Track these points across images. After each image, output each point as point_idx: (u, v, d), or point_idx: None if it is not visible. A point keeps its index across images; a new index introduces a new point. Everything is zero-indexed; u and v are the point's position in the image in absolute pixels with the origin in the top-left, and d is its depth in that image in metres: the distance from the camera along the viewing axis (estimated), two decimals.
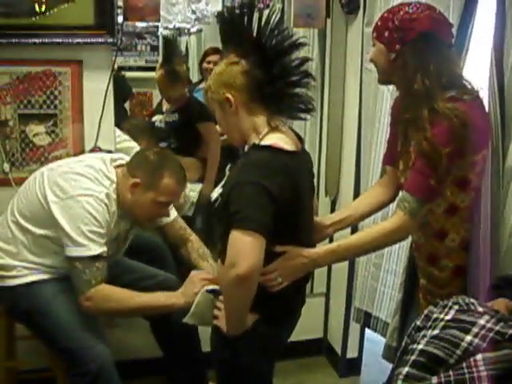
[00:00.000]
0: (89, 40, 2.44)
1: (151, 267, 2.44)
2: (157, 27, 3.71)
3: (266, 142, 1.62)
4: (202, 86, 3.75)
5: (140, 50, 3.70)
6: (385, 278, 2.62)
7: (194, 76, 4.06)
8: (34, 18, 2.38)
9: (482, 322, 1.28)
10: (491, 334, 1.24)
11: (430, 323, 1.36)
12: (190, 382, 2.47)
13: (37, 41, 2.39)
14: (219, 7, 3.79)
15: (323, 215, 2.20)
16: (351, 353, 3.03)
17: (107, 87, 2.52)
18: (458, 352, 1.24)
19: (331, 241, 2.02)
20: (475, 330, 1.26)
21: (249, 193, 1.54)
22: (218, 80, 1.67)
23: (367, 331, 2.93)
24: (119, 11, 2.48)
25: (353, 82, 2.78)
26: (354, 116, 2.77)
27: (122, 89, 3.26)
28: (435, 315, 1.37)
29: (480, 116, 1.74)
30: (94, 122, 2.54)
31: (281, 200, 1.55)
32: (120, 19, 2.50)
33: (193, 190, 3.25)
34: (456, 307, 1.36)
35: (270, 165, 1.58)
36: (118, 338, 2.67)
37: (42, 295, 2.11)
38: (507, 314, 1.38)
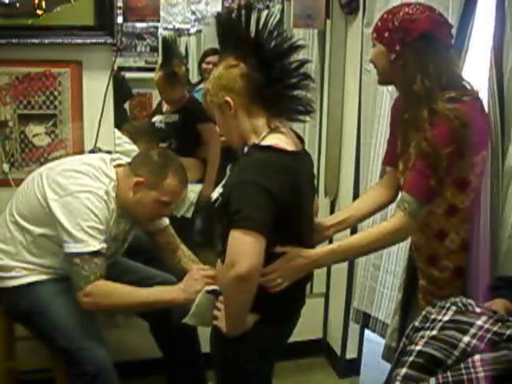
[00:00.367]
0: (88, 40, 2.45)
1: (150, 268, 2.44)
2: (156, 28, 3.70)
3: (267, 142, 1.62)
4: (201, 86, 3.74)
5: (140, 51, 3.70)
6: (384, 278, 2.62)
7: (194, 76, 4.05)
8: (33, 19, 2.38)
9: (479, 322, 1.28)
10: (489, 335, 1.25)
11: (427, 324, 1.36)
12: (190, 383, 2.47)
13: (36, 41, 2.39)
14: (219, 8, 3.78)
15: (322, 215, 2.20)
16: (350, 353, 3.04)
17: (107, 88, 2.52)
18: (456, 353, 1.25)
19: (331, 242, 2.02)
20: (473, 330, 1.27)
21: (249, 192, 1.54)
22: (217, 83, 1.67)
23: (366, 332, 2.93)
24: (119, 12, 2.49)
25: (352, 83, 2.79)
26: (354, 116, 2.77)
27: (121, 89, 3.26)
28: (433, 316, 1.37)
29: (480, 117, 1.74)
30: (93, 122, 2.54)
31: (281, 200, 1.55)
32: (120, 20, 2.51)
33: (191, 191, 3.25)
34: (454, 308, 1.36)
35: (270, 165, 1.58)
36: (118, 339, 2.67)
37: (41, 296, 2.11)
38: (505, 314, 1.38)
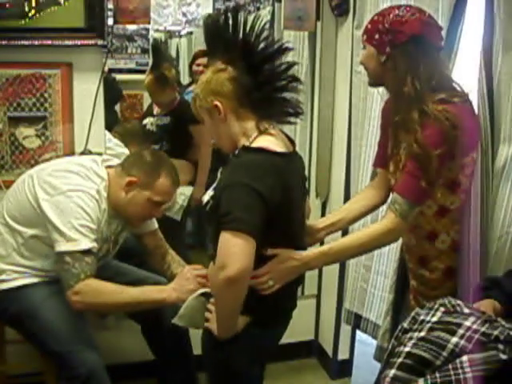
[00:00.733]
0: (79, 42, 2.44)
1: (142, 270, 2.43)
2: (147, 30, 3.70)
3: (256, 144, 1.63)
4: (192, 88, 3.75)
5: (130, 53, 3.69)
6: (375, 279, 2.63)
7: (185, 78, 4.05)
8: (24, 21, 2.37)
9: (467, 323, 1.29)
10: (477, 336, 1.25)
11: (416, 325, 1.36)
12: None
13: (26, 43, 2.38)
14: (210, 9, 3.79)
15: (314, 217, 2.20)
16: (342, 354, 3.04)
17: (97, 89, 2.52)
18: (445, 354, 1.25)
19: (322, 244, 2.02)
20: (461, 331, 1.27)
21: (239, 194, 1.54)
22: (206, 88, 1.67)
23: (358, 333, 2.93)
24: (109, 14, 2.48)
25: (343, 85, 2.79)
26: (344, 118, 2.78)
27: (112, 91, 3.25)
28: (422, 317, 1.37)
29: (470, 118, 1.75)
30: (84, 124, 2.54)
31: (271, 201, 1.55)
32: (110, 22, 2.50)
33: (182, 194, 3.25)
34: (442, 309, 1.36)
35: (260, 166, 1.58)
36: (109, 341, 2.66)
37: (32, 299, 2.10)
38: (493, 315, 1.39)
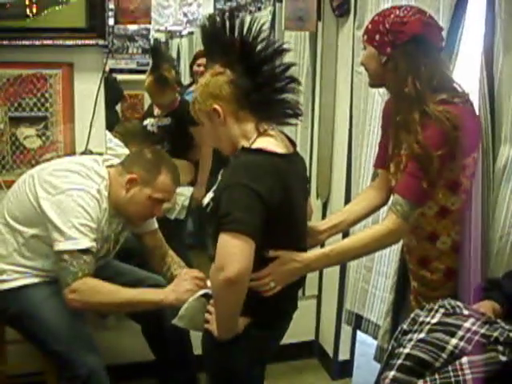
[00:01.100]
0: (80, 42, 2.44)
1: (142, 270, 2.43)
2: (148, 30, 3.71)
3: (256, 145, 1.62)
4: (193, 88, 3.75)
5: (131, 53, 3.70)
6: (376, 280, 2.62)
7: (186, 79, 4.06)
8: (25, 21, 2.37)
9: (467, 324, 1.29)
10: (477, 337, 1.25)
11: (416, 327, 1.36)
12: None
13: (28, 43, 2.38)
14: (211, 10, 3.79)
15: (314, 218, 2.19)
16: (343, 355, 3.03)
17: (98, 90, 2.52)
18: (444, 355, 1.25)
19: (322, 245, 2.02)
20: (461, 333, 1.27)
21: (238, 195, 1.54)
22: (205, 91, 1.67)
23: (359, 333, 2.93)
24: (110, 14, 2.48)
25: (344, 85, 2.79)
26: (345, 119, 2.78)
27: (113, 91, 3.26)
28: (421, 319, 1.37)
29: (471, 119, 1.75)
30: (85, 124, 2.54)
31: (271, 202, 1.55)
32: (111, 22, 2.50)
33: (182, 194, 3.25)
34: (442, 310, 1.36)
35: (260, 167, 1.58)
36: (109, 341, 2.65)
37: (32, 299, 2.10)
38: (493, 316, 1.38)
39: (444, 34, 1.82)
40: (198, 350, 1.90)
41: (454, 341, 1.26)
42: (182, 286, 1.99)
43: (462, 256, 1.85)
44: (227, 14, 1.66)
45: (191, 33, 4.22)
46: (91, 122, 2.53)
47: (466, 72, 2.07)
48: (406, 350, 1.30)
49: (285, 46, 1.69)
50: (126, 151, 2.67)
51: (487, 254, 1.82)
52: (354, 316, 2.77)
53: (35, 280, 2.13)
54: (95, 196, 2.07)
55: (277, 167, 1.60)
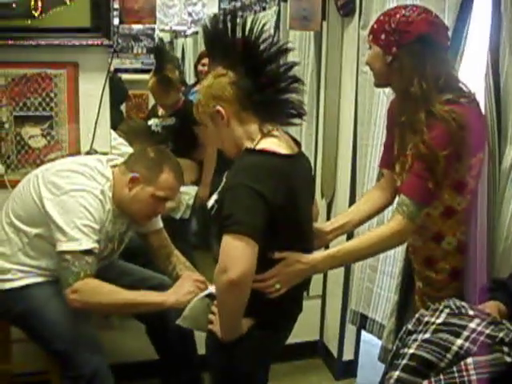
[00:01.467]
0: (85, 42, 2.44)
1: (147, 270, 2.43)
2: (153, 29, 3.71)
3: (260, 146, 1.62)
4: (197, 88, 3.76)
5: (136, 53, 3.70)
6: (381, 280, 2.62)
7: (191, 78, 4.06)
8: (30, 20, 2.38)
9: (472, 325, 1.28)
10: (482, 338, 1.25)
11: (421, 327, 1.36)
12: None
13: (33, 43, 2.38)
14: (215, 9, 3.79)
15: (319, 217, 2.19)
16: (347, 355, 3.03)
17: (103, 89, 2.52)
18: (449, 356, 1.25)
19: (327, 247, 2.01)
20: (466, 333, 1.27)
21: (241, 197, 1.53)
22: (208, 93, 1.66)
23: (363, 333, 2.93)
24: (115, 14, 2.48)
25: (349, 85, 2.79)
26: (350, 118, 2.77)
27: (117, 91, 3.26)
28: (426, 319, 1.37)
29: (477, 119, 1.74)
30: (89, 124, 2.54)
31: (274, 203, 1.54)
32: (116, 22, 2.50)
33: (187, 193, 3.25)
34: (447, 311, 1.36)
35: (263, 168, 1.57)
36: (113, 341, 2.66)
37: (37, 298, 2.10)
38: (498, 317, 1.38)
39: (449, 33, 1.82)
40: (201, 349, 1.90)
41: (459, 341, 1.26)
42: (183, 289, 1.99)
43: (467, 256, 1.84)
44: (229, 14, 1.65)
45: (196, 32, 4.22)
46: (96, 122, 2.53)
47: (472, 71, 2.06)
48: (411, 351, 1.30)
49: (287, 46, 1.69)
50: (130, 150, 2.67)
51: (493, 255, 1.82)
52: (358, 316, 2.77)
53: (39, 279, 2.14)
54: (98, 197, 2.07)
55: (280, 168, 1.59)
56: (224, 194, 1.58)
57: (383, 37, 1.74)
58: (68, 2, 2.39)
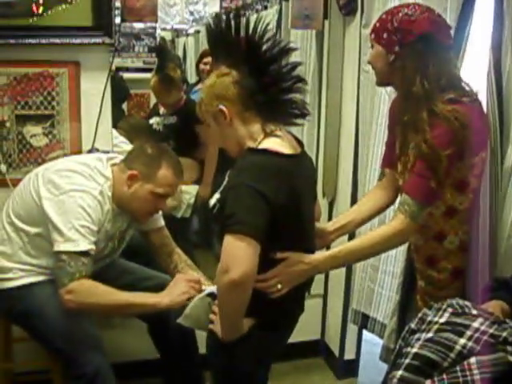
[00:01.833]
0: (86, 41, 2.44)
1: (148, 269, 2.43)
2: (154, 28, 3.71)
3: (262, 146, 1.61)
4: (199, 87, 3.76)
5: (138, 51, 3.70)
6: (382, 279, 2.62)
7: (192, 77, 4.06)
8: (31, 19, 2.38)
9: (476, 324, 1.28)
10: (485, 337, 1.24)
11: (424, 326, 1.36)
12: None
13: (34, 42, 2.38)
14: (217, 8, 3.79)
15: (321, 217, 2.19)
16: (349, 354, 3.03)
17: (104, 88, 2.52)
18: (452, 355, 1.25)
19: (328, 247, 2.01)
20: (469, 332, 1.26)
21: (242, 196, 1.53)
22: (210, 92, 1.66)
23: (365, 332, 2.93)
24: (117, 12, 2.48)
25: (350, 84, 2.78)
26: (352, 117, 2.77)
27: (119, 90, 3.26)
28: (429, 318, 1.37)
29: (479, 118, 1.74)
30: (91, 123, 2.54)
31: (276, 203, 1.54)
32: (118, 20, 2.50)
33: (188, 192, 3.25)
34: (450, 310, 1.36)
35: (265, 168, 1.57)
36: (115, 340, 2.66)
37: (38, 297, 2.10)
38: (501, 316, 1.38)
39: (452, 32, 1.81)
40: (203, 348, 1.90)
41: (462, 341, 1.25)
42: (177, 289, 2.00)
43: (469, 256, 1.84)
44: (232, 13, 1.65)
45: (197, 31, 4.22)
46: (97, 121, 2.53)
47: (474, 71, 2.06)
48: (414, 350, 1.30)
49: (291, 46, 1.68)
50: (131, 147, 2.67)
51: (495, 254, 1.82)
52: (360, 315, 2.76)
53: (40, 278, 2.13)
54: (97, 197, 2.07)
55: (283, 168, 1.59)
56: (226, 193, 1.57)
57: (385, 36, 1.74)
58: (70, 1, 2.39)
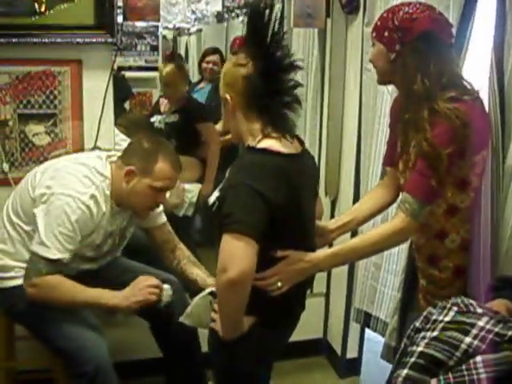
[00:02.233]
0: (88, 40, 2.44)
1: (150, 268, 2.43)
2: (157, 27, 3.71)
3: (261, 145, 1.61)
4: (201, 85, 3.76)
5: (140, 50, 3.70)
6: (385, 278, 2.62)
7: (194, 76, 4.05)
8: (33, 18, 2.38)
9: (481, 323, 1.27)
10: (490, 336, 1.24)
11: (429, 325, 1.35)
12: (190, 383, 2.46)
13: (36, 40, 2.38)
14: (219, 7, 3.79)
15: (323, 215, 2.19)
16: (351, 353, 3.03)
17: (107, 87, 2.52)
18: (458, 354, 1.24)
19: (330, 245, 2.01)
20: (474, 331, 1.26)
21: (240, 196, 1.53)
22: (224, 78, 1.68)
23: (367, 331, 2.93)
24: (119, 11, 2.48)
25: (353, 82, 2.78)
26: (354, 116, 2.77)
27: (121, 89, 3.25)
28: (434, 317, 1.36)
29: (480, 116, 1.74)
30: (93, 121, 2.54)
31: (275, 203, 1.54)
32: (120, 19, 2.50)
33: (190, 191, 3.25)
34: (455, 308, 1.35)
35: (264, 167, 1.57)
36: (118, 338, 2.66)
37: None
38: (507, 315, 1.37)
39: (454, 30, 1.81)
40: (205, 347, 1.91)
41: (467, 339, 1.25)
42: (134, 296, 2.03)
43: (471, 254, 1.84)
44: (268, 8, 1.61)
45: (199, 30, 4.21)
46: (100, 120, 2.53)
47: (476, 69, 2.06)
48: (419, 349, 1.29)
49: (299, 63, 1.67)
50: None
51: (496, 253, 1.81)
52: (362, 314, 2.76)
53: None
54: (86, 203, 2.05)
55: (282, 167, 1.59)
56: (224, 192, 1.58)
57: (386, 34, 1.73)
58: (72, 0, 2.39)
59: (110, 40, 2.47)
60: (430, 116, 1.69)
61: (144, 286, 2.05)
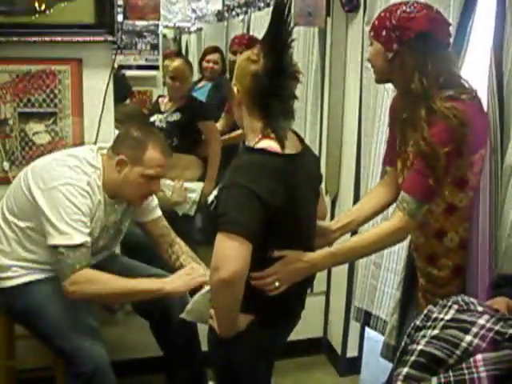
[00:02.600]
0: (89, 38, 2.44)
1: (150, 266, 2.43)
2: (157, 26, 3.71)
3: (260, 145, 1.61)
4: (201, 84, 3.75)
5: (140, 49, 3.70)
6: (385, 276, 2.62)
7: (194, 75, 4.05)
8: (34, 17, 2.38)
9: (481, 321, 1.27)
10: (491, 334, 1.24)
11: (429, 323, 1.35)
12: (190, 382, 2.46)
13: (37, 39, 2.38)
14: (219, 6, 3.79)
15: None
16: (351, 352, 3.03)
17: (107, 86, 2.52)
18: (458, 352, 1.24)
19: (331, 245, 2.01)
20: (475, 329, 1.26)
21: (235, 196, 1.53)
22: (236, 70, 1.67)
23: (367, 330, 2.93)
24: (119, 10, 2.48)
25: (353, 81, 2.78)
26: (354, 115, 2.77)
27: (121, 87, 3.24)
28: (435, 315, 1.36)
29: (478, 115, 1.74)
30: (93, 120, 2.54)
31: (271, 203, 1.53)
32: (120, 18, 2.50)
33: (193, 190, 3.25)
34: (456, 307, 1.35)
35: (261, 168, 1.56)
36: (117, 337, 2.67)
37: (38, 295, 2.11)
38: (507, 313, 1.37)
39: (453, 29, 1.81)
40: (205, 345, 1.91)
41: (468, 338, 1.25)
42: (183, 278, 2.03)
43: (470, 253, 1.83)
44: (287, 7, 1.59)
45: (200, 29, 4.21)
46: (100, 118, 2.53)
47: (475, 69, 2.05)
48: (420, 347, 1.29)
49: (299, 77, 1.67)
50: None
51: (495, 251, 1.81)
52: (362, 313, 2.77)
53: (40, 276, 2.14)
54: (85, 189, 2.06)
55: (280, 168, 1.58)
56: (220, 191, 1.58)
57: (384, 33, 1.73)
58: None
59: (110, 39, 2.47)
60: (428, 115, 1.69)
61: (194, 273, 2.08)
